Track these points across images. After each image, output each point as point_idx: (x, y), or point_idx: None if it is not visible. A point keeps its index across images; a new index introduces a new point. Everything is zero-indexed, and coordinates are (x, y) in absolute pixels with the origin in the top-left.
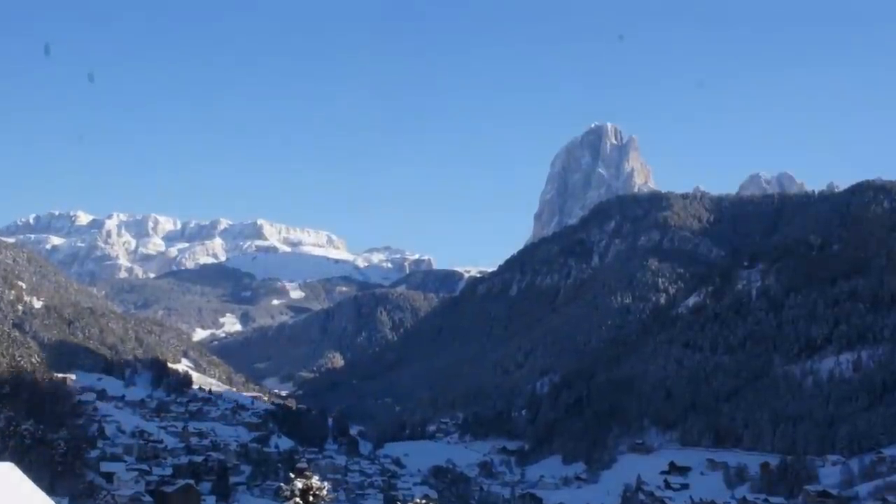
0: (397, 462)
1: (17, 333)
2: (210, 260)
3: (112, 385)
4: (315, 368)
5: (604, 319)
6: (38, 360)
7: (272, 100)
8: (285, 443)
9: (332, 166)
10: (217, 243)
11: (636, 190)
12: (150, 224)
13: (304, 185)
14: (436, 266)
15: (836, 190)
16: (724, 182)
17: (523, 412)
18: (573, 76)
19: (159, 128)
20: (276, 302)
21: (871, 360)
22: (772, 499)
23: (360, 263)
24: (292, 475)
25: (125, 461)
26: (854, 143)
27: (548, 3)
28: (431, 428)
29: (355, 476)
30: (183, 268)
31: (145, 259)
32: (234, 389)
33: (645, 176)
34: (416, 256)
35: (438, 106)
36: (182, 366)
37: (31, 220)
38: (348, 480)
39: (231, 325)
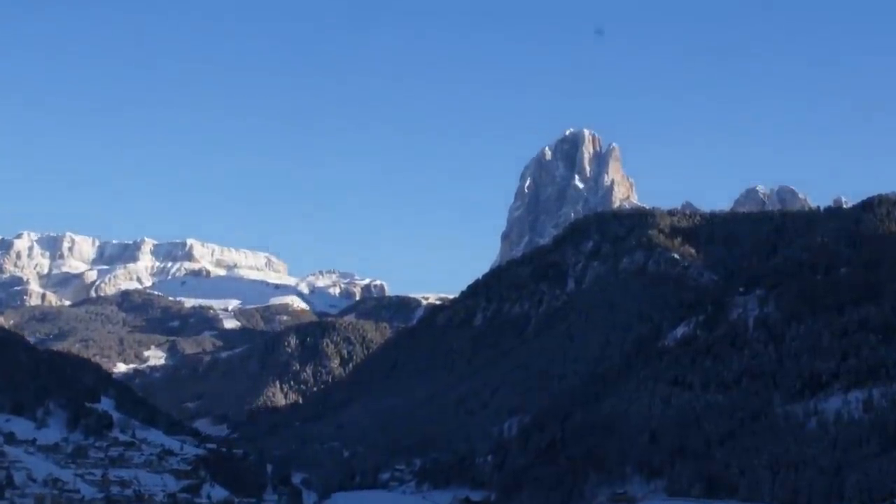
0: None
1: None
2: (133, 285)
3: (22, 427)
4: (252, 408)
5: (580, 352)
6: None
7: (202, 105)
8: (219, 492)
9: (271, 179)
10: (141, 266)
11: (617, 205)
12: (66, 244)
13: (238, 201)
14: (389, 292)
15: (844, 205)
16: (716, 197)
17: (489, 458)
18: (545, 76)
19: (76, 135)
20: (207, 332)
21: (883, 399)
22: None
23: (304, 289)
24: None
25: None
26: (864, 153)
27: None
28: (384, 476)
29: None
30: (102, 294)
31: (60, 284)
32: (161, 432)
33: (627, 190)
34: (367, 281)
35: (390, 109)
36: (101, 405)
37: None
38: None
39: (157, 358)
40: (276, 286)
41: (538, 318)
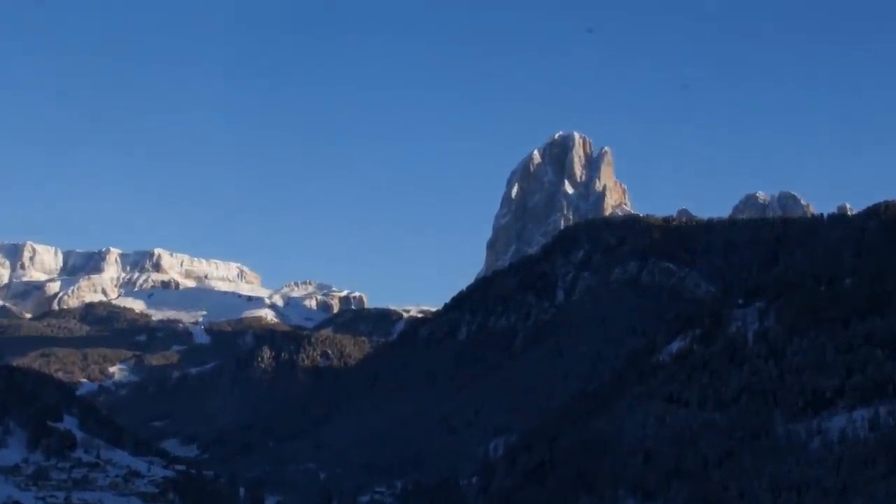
0: None
1: None
2: (98, 297)
3: None
4: (224, 427)
5: (570, 368)
6: None
7: (172, 110)
8: None
9: (242, 185)
10: (106, 277)
11: (609, 213)
12: (27, 254)
13: (209, 208)
14: (368, 304)
15: (849, 212)
16: (714, 203)
17: (474, 479)
18: (533, 76)
19: (38, 139)
20: (176, 347)
21: (890, 417)
22: None
23: (278, 301)
24: None
25: None
26: (869, 157)
27: None
28: (364, 499)
29: None
30: (65, 306)
31: (20, 296)
32: (127, 453)
33: (619, 196)
34: (345, 292)
35: (371, 112)
36: (64, 424)
37: None
38: None
39: (122, 374)
40: (249, 298)
41: (526, 332)
